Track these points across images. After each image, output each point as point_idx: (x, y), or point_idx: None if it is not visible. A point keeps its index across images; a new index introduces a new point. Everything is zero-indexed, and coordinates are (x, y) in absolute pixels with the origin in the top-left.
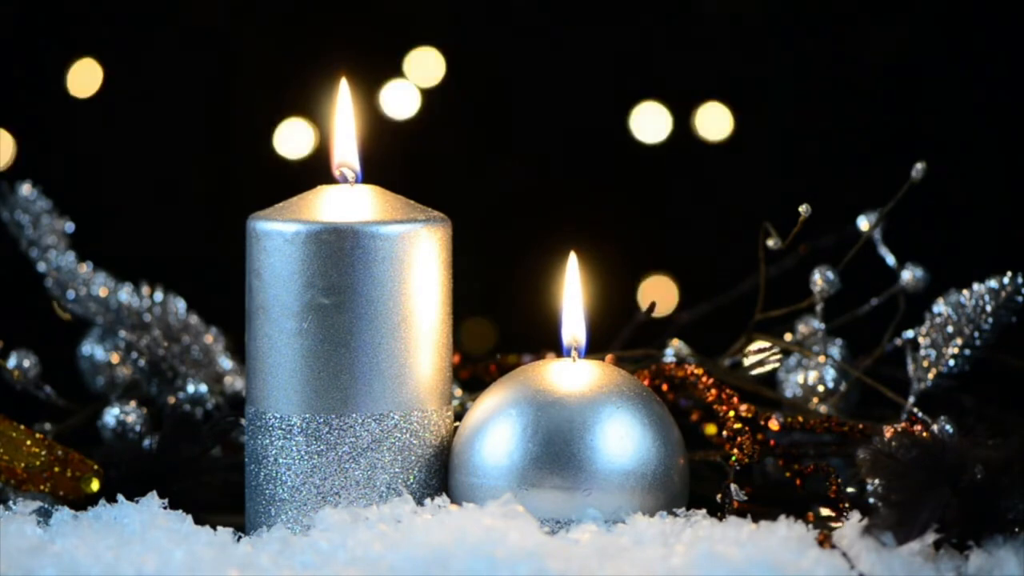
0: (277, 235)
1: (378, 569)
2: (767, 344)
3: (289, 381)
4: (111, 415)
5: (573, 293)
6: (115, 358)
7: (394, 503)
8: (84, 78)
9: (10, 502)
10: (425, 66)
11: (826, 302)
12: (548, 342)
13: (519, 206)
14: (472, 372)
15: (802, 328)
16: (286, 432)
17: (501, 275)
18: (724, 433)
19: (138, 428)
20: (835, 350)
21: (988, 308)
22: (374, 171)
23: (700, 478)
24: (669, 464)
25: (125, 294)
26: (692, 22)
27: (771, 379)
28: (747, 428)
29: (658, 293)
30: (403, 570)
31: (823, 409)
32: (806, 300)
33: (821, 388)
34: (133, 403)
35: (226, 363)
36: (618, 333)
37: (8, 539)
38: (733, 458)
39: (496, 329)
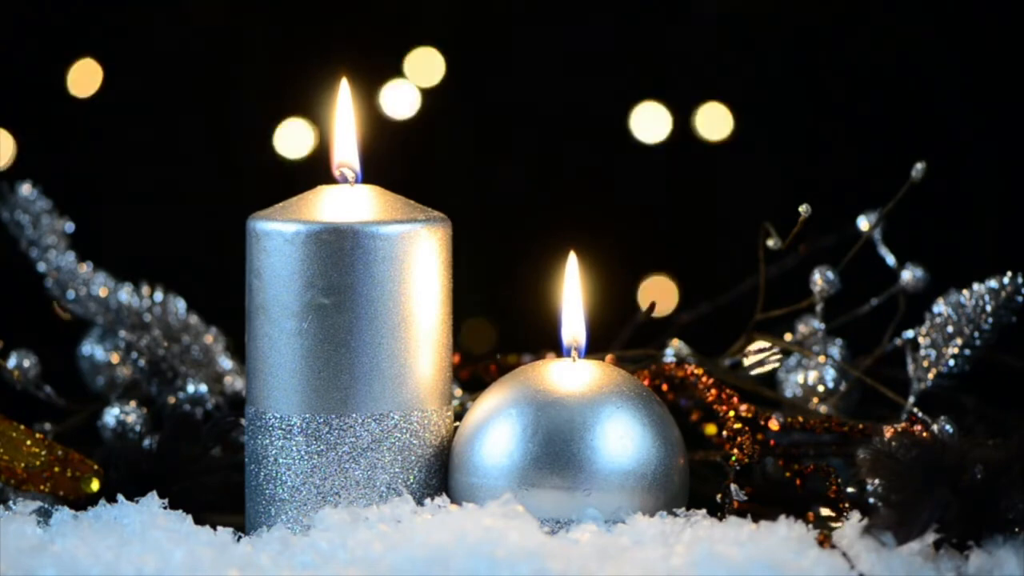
0: (277, 235)
1: (378, 569)
2: (767, 344)
3: (289, 381)
4: (111, 415)
5: (573, 293)
6: (115, 358)
7: (394, 503)
8: (84, 78)
9: (10, 502)
10: (425, 66)
11: (826, 302)
12: (548, 342)
13: (519, 206)
14: (472, 372)
15: (802, 328)
16: (286, 432)
17: (501, 275)
18: (724, 433)
19: (138, 428)
20: (835, 350)
21: (988, 308)
22: (374, 171)
23: (700, 478)
24: (669, 464)
25: (125, 294)
26: (692, 22)
27: (771, 379)
28: (747, 428)
29: (658, 293)
30: (403, 570)
31: (823, 409)
32: (806, 300)
33: (821, 388)
34: (133, 403)
35: (226, 363)
36: (618, 333)
37: (8, 539)
38: (733, 458)
39: (496, 329)
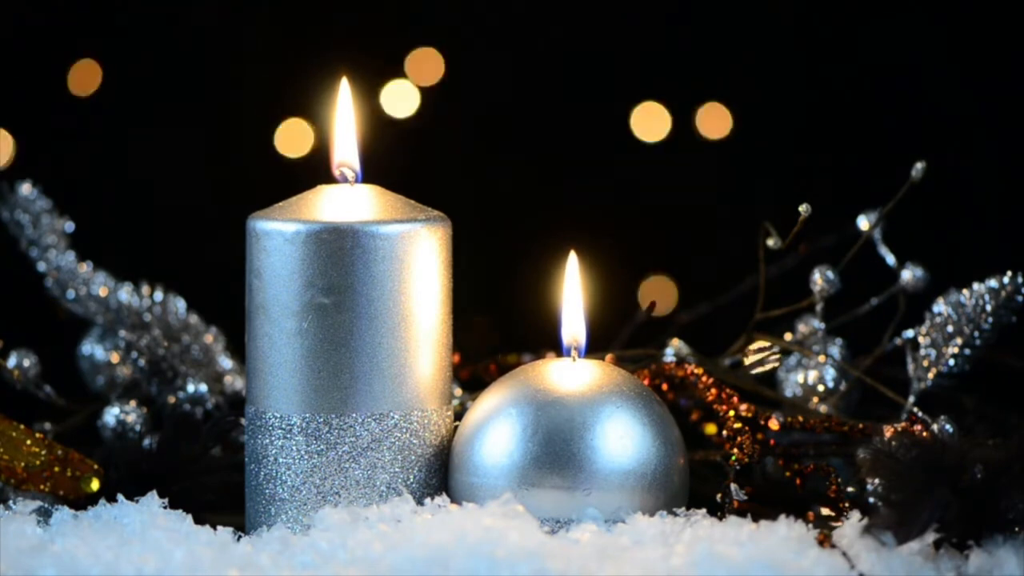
0: (277, 235)
1: (378, 569)
2: (767, 344)
3: (289, 381)
4: (111, 415)
5: (573, 293)
6: (115, 358)
7: (394, 503)
8: (84, 78)
9: (10, 502)
10: (425, 66)
11: (826, 302)
12: (548, 342)
13: (519, 206)
14: (472, 372)
15: (802, 328)
16: (286, 432)
17: (501, 275)
18: (724, 433)
19: (138, 428)
20: (835, 350)
21: (988, 308)
22: (374, 171)
23: (700, 478)
24: (669, 464)
25: (125, 294)
26: (692, 22)
27: (771, 379)
28: (747, 428)
29: (658, 293)
30: (403, 570)
31: (823, 409)
32: (806, 300)
33: (821, 388)
34: (133, 403)
35: (226, 363)
36: (618, 333)
37: (8, 539)
38: (733, 458)
39: (496, 329)
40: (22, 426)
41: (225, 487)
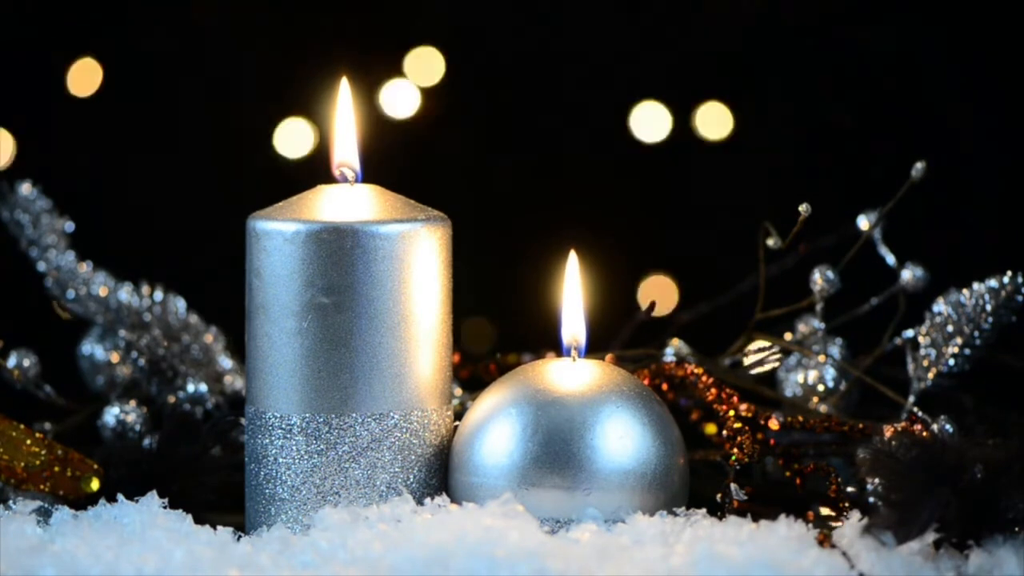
0: (277, 235)
1: (378, 569)
2: (767, 344)
3: (289, 380)
4: (111, 415)
5: (573, 293)
6: (115, 358)
7: (394, 503)
8: (84, 78)
9: (10, 502)
10: (425, 66)
11: (826, 302)
12: (548, 342)
13: (519, 206)
14: (472, 372)
15: (802, 328)
16: (286, 432)
17: (501, 275)
18: (724, 433)
19: (138, 428)
20: (835, 350)
21: (988, 308)
22: (374, 171)
23: (700, 478)
24: (669, 464)
25: (125, 294)
26: (692, 22)
27: (771, 379)
28: (747, 428)
29: (658, 293)
30: (403, 570)
31: (823, 409)
32: (806, 300)
33: (821, 388)
34: (133, 403)
35: (226, 363)
36: (618, 333)
37: (8, 539)
38: (733, 458)
39: (496, 329)
40: (22, 426)
41: (225, 487)
